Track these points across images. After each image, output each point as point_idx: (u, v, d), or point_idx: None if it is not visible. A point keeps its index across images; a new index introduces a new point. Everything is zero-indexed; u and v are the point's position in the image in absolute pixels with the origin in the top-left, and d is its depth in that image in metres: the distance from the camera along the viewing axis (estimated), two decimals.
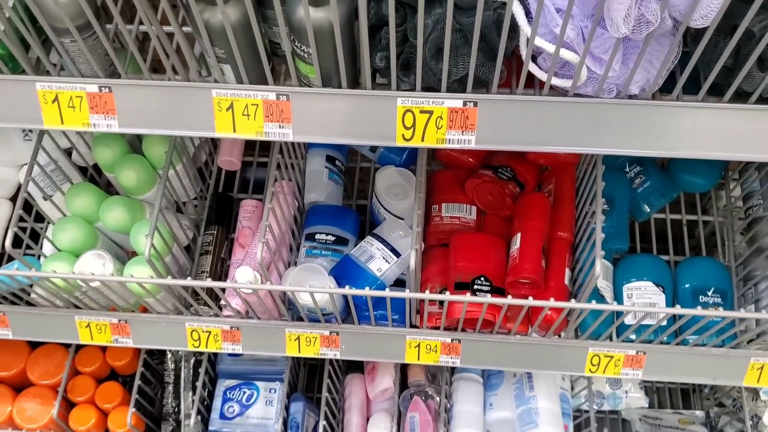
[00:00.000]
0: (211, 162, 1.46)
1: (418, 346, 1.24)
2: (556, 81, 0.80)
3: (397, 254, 1.21)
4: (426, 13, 0.76)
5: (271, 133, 0.88)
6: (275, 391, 1.55)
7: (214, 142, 1.45)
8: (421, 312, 1.21)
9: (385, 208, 1.32)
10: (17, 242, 1.31)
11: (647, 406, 1.66)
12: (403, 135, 0.85)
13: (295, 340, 1.24)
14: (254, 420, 1.52)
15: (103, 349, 1.56)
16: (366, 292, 1.08)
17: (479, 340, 1.22)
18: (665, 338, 1.17)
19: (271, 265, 1.20)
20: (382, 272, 1.20)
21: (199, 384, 1.53)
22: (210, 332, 1.24)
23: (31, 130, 1.34)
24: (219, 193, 1.44)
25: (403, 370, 1.58)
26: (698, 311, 1.03)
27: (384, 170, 1.35)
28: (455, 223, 1.29)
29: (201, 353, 1.56)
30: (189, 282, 1.10)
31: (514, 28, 0.75)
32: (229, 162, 1.34)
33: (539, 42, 0.75)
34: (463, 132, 0.84)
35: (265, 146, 1.51)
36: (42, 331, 1.29)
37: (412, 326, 1.23)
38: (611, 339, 1.20)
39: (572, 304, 1.07)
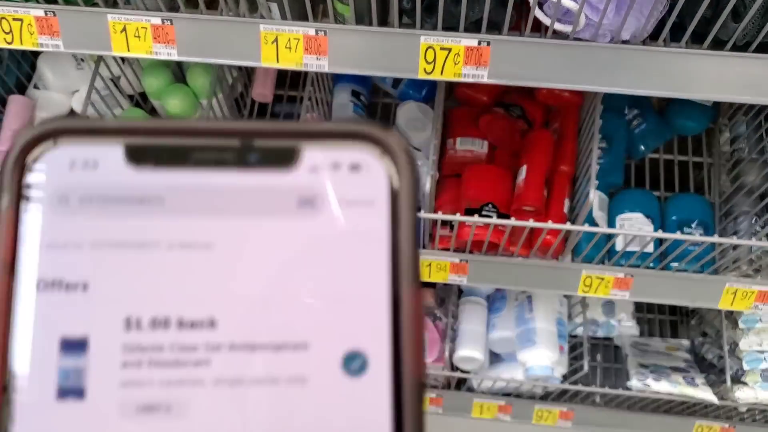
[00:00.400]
0: (246, 94, 1.59)
1: (430, 265, 1.38)
2: (558, 26, 0.93)
3: None
4: None
5: (310, 64, 1.01)
6: None
7: (250, 78, 1.58)
8: (433, 235, 1.35)
9: None
10: None
11: (638, 335, 1.81)
12: (424, 69, 0.98)
13: None
14: None
15: None
16: None
17: (485, 261, 1.36)
18: (651, 264, 1.31)
19: None
20: None
21: None
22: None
23: (83, 59, 1.47)
24: None
25: None
26: (679, 236, 1.17)
27: (405, 104, 1.48)
28: (468, 156, 1.43)
29: None
30: None
31: None
32: (262, 94, 1.48)
33: None
34: (477, 68, 0.97)
35: (294, 83, 1.65)
36: None
37: (423, 248, 1.37)
38: (603, 263, 1.34)
39: (568, 226, 1.21)
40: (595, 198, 1.19)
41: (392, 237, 0.29)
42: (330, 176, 0.29)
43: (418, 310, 0.28)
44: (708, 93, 0.95)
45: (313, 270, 0.28)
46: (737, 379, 1.57)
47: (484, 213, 1.31)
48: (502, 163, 1.43)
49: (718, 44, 0.94)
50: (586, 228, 1.20)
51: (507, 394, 1.74)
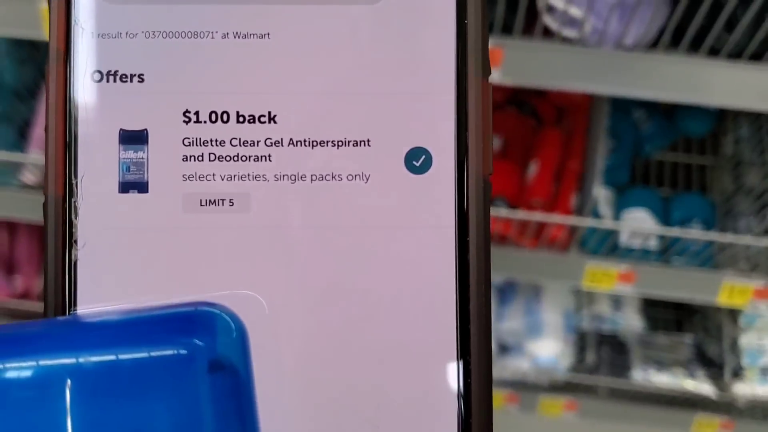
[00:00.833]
0: None
1: None
2: (566, 32, 0.99)
3: None
4: None
5: None
6: None
7: None
8: None
9: None
10: None
11: (643, 330, 1.87)
12: None
13: None
14: None
15: None
16: None
17: (495, 252, 1.42)
18: (653, 259, 1.37)
19: None
20: None
21: None
22: None
23: None
24: None
25: None
26: (679, 231, 1.24)
27: None
28: None
29: None
30: None
31: None
32: None
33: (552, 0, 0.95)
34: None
35: None
36: None
37: None
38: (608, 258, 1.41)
39: (574, 218, 1.28)
40: (601, 194, 1.25)
41: (458, 22, 0.27)
42: None
43: (486, 104, 0.27)
44: (713, 99, 1.02)
45: (377, 63, 0.27)
46: (737, 375, 1.63)
47: (494, 206, 1.37)
48: (513, 158, 1.50)
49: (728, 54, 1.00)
50: (592, 221, 1.27)
51: (513, 385, 1.81)
